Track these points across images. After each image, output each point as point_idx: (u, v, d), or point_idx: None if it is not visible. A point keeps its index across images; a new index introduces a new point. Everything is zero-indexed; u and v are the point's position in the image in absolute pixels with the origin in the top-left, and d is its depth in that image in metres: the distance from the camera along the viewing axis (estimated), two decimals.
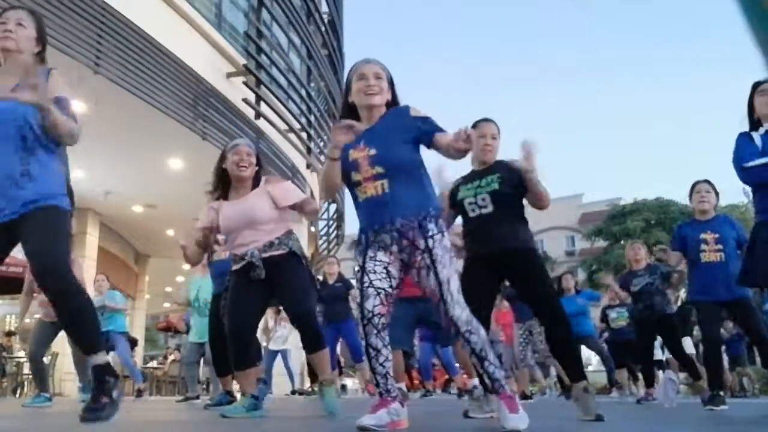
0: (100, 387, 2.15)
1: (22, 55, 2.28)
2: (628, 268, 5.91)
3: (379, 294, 2.19)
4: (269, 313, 8.20)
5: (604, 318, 7.84)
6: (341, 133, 2.20)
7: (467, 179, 3.17)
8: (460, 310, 2.20)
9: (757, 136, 3.02)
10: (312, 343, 3.32)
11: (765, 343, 4.17)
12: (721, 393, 4.23)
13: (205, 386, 9.99)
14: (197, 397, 6.21)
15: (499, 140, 3.22)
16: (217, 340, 4.73)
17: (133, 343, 10.45)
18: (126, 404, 6.23)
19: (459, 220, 3.29)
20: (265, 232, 3.28)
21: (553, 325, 2.95)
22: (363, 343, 2.21)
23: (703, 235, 4.30)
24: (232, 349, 3.29)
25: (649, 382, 5.94)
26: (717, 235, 4.27)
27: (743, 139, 3.08)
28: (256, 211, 3.28)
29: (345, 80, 2.44)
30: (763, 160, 2.94)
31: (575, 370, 2.95)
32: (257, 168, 3.44)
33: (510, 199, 3.03)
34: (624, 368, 8.00)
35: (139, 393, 7.38)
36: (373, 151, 2.26)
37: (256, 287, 3.24)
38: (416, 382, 10.68)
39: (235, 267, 3.31)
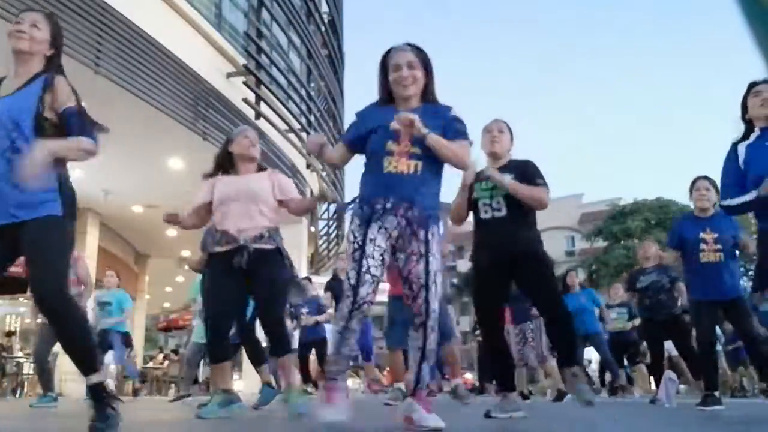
0: (100, 404, 2.13)
1: (33, 57, 2.26)
2: (639, 266, 5.92)
3: (373, 282, 2.24)
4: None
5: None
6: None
7: (481, 177, 3.20)
8: (437, 305, 2.29)
9: (741, 149, 2.94)
10: (279, 348, 3.36)
11: (755, 342, 4.18)
12: (716, 393, 4.19)
13: (204, 386, 10.00)
14: (189, 395, 6.31)
15: (508, 135, 3.32)
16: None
17: (127, 344, 10.43)
18: (126, 404, 6.25)
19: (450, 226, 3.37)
20: (257, 215, 3.25)
21: (557, 323, 3.12)
22: (342, 324, 2.23)
23: (702, 234, 4.27)
24: (210, 338, 3.25)
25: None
26: (716, 235, 4.25)
27: (727, 163, 2.99)
28: (257, 187, 3.30)
29: (380, 59, 2.46)
30: (740, 200, 2.86)
31: (567, 356, 3.17)
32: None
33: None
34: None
35: (136, 392, 7.39)
36: None
37: (237, 275, 3.20)
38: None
39: (218, 249, 3.26)
